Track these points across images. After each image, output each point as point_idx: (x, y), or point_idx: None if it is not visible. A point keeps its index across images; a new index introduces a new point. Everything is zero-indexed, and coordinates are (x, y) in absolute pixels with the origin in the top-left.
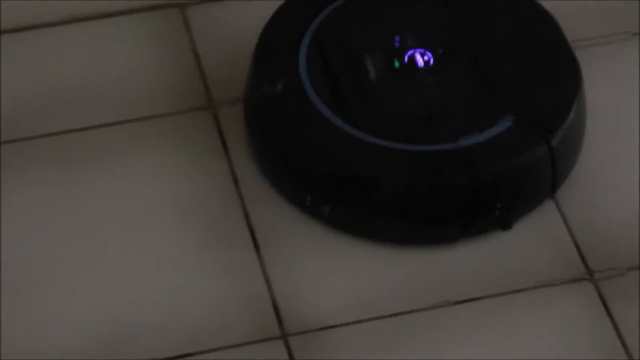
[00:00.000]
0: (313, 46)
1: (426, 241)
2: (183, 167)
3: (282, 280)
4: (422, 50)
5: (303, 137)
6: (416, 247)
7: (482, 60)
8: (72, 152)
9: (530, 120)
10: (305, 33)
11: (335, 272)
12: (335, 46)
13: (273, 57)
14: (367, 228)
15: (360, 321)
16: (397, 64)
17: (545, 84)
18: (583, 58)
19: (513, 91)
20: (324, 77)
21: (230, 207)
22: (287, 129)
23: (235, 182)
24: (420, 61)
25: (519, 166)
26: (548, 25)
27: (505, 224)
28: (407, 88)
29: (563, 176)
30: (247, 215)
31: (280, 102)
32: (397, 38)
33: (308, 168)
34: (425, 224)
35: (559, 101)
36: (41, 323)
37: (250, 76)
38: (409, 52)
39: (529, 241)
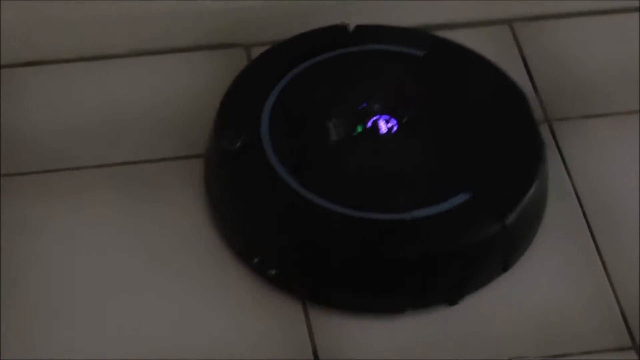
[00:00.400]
0: (278, 105)
1: (372, 310)
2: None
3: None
4: (386, 117)
5: (255, 195)
6: (363, 315)
7: (446, 133)
8: (133, 183)
9: (486, 199)
10: (272, 90)
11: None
12: (301, 106)
13: (236, 112)
14: (313, 293)
15: None
16: (359, 129)
17: (506, 163)
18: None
19: (473, 167)
20: (286, 137)
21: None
22: (240, 185)
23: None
24: (383, 128)
25: (471, 243)
26: (517, 102)
27: (452, 300)
28: (366, 154)
29: (517, 254)
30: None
31: (237, 158)
32: (363, 103)
33: (257, 228)
34: (371, 294)
35: (517, 181)
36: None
37: (212, 130)
38: (373, 118)
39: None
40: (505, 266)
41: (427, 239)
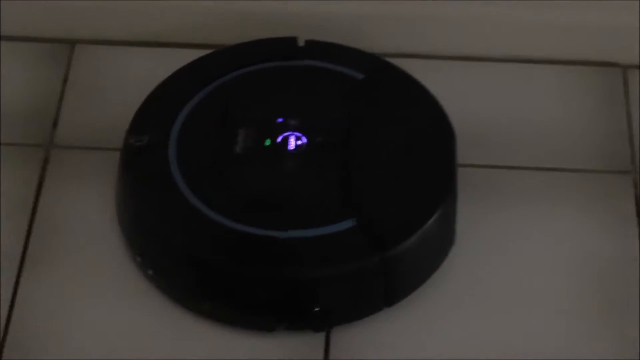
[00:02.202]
0: (197, 110)
1: (240, 325)
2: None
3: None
4: (299, 134)
5: (142, 194)
6: (231, 327)
7: (357, 159)
8: (483, 187)
9: (369, 229)
10: (195, 95)
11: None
12: (217, 113)
13: (152, 111)
14: (185, 299)
15: None
16: (268, 142)
17: (407, 198)
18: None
19: (366, 197)
20: (194, 142)
21: None
22: (132, 182)
23: None
24: (291, 144)
25: (343, 272)
26: (442, 139)
27: (319, 327)
28: (266, 168)
29: (401, 292)
30: None
31: (138, 155)
32: (281, 119)
33: (139, 227)
34: (236, 308)
35: (412, 217)
36: None
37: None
38: (285, 134)
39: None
40: (388, 302)
41: (296, 260)
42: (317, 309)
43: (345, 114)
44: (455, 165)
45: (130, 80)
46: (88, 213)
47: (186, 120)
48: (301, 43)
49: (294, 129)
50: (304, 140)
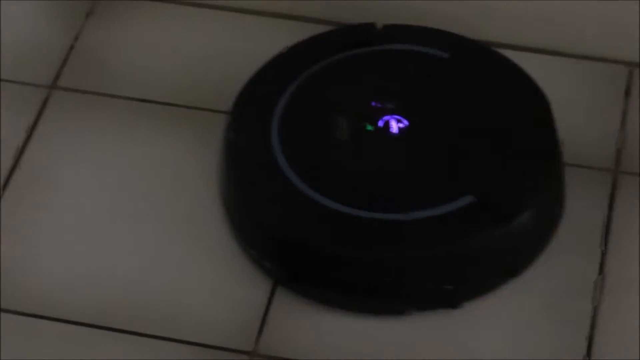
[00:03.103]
0: (292, 101)
1: (370, 311)
2: None
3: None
4: (398, 117)
5: (255, 188)
6: (362, 316)
7: (458, 135)
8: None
9: (489, 205)
10: (287, 87)
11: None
12: (313, 103)
13: (249, 106)
14: (308, 291)
15: None
16: (369, 127)
17: (514, 171)
18: None
19: (478, 173)
20: (295, 133)
21: None
22: (242, 177)
23: None
24: (394, 127)
25: (471, 247)
26: (538, 109)
27: (454, 303)
28: (374, 152)
29: (526, 262)
30: None
31: (243, 150)
32: (377, 103)
33: (254, 221)
34: (368, 295)
35: (523, 190)
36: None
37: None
38: (385, 117)
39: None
40: (514, 272)
41: (424, 240)
42: (449, 287)
43: (438, 93)
44: (557, 135)
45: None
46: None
47: (284, 114)
48: (379, 27)
49: (392, 113)
50: (405, 122)
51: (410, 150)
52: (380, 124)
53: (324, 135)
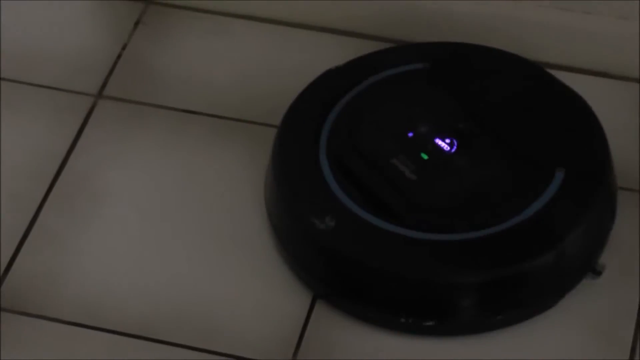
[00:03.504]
0: (338, 120)
1: (411, 331)
2: None
3: None
4: (444, 136)
5: (302, 199)
6: (402, 335)
7: (503, 137)
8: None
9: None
10: (334, 106)
11: None
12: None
13: (297, 124)
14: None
15: None
16: (424, 156)
17: (568, 185)
18: None
19: (529, 191)
20: (342, 150)
21: None
22: (291, 192)
23: None
24: (446, 147)
25: (521, 270)
26: (590, 127)
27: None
28: (441, 177)
29: (571, 285)
30: None
31: (292, 165)
32: (411, 133)
33: (302, 236)
34: (410, 314)
35: (576, 209)
36: None
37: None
38: (434, 140)
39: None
40: (560, 293)
41: (475, 263)
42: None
43: (463, 109)
44: (608, 147)
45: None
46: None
47: (331, 131)
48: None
49: (435, 136)
50: (452, 139)
51: (463, 172)
52: (431, 148)
53: (371, 155)
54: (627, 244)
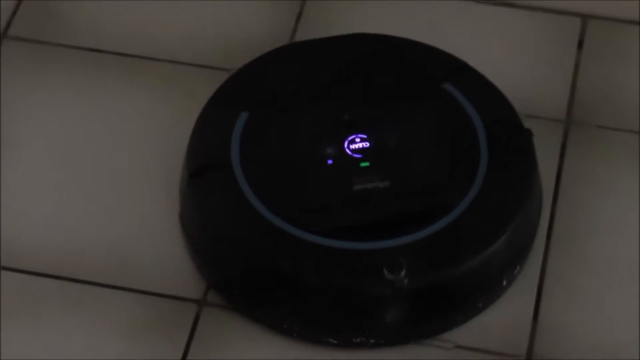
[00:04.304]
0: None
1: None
2: None
3: None
4: (363, 136)
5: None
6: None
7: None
8: None
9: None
10: (242, 110)
11: None
12: (271, 127)
13: (207, 133)
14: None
15: None
16: (329, 150)
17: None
18: None
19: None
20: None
21: None
22: (206, 208)
23: None
24: (357, 147)
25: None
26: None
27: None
28: (333, 176)
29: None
30: None
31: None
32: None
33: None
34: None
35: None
36: None
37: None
38: (350, 137)
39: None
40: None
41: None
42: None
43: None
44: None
45: None
46: None
47: (242, 138)
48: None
49: (354, 131)
50: (367, 144)
51: (373, 173)
52: (343, 145)
53: (281, 157)
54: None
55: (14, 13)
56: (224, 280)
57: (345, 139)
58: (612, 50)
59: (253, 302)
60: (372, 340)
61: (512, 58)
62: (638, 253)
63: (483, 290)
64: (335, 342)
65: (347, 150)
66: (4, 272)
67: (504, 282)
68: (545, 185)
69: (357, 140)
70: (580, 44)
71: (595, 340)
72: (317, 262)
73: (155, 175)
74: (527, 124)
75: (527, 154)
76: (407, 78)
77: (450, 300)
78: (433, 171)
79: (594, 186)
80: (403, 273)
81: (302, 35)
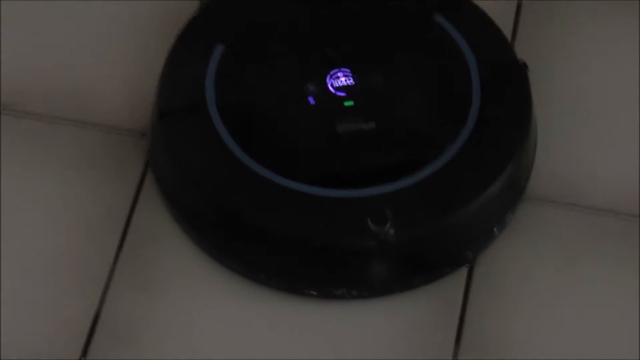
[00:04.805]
0: (225, 60)
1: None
2: None
3: None
4: (346, 70)
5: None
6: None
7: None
8: None
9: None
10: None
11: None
12: (246, 64)
13: (180, 72)
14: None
15: None
16: (311, 88)
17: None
18: None
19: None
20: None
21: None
22: (180, 149)
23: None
24: (343, 81)
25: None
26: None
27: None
28: (314, 118)
29: None
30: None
31: (179, 121)
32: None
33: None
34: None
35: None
36: None
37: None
38: (332, 72)
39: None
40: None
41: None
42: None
43: (383, 45)
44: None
45: None
46: None
47: (217, 75)
48: None
49: (337, 65)
50: (351, 81)
51: (358, 113)
52: (325, 82)
53: (261, 98)
54: None
55: None
56: (196, 229)
57: (327, 73)
58: None
59: (228, 252)
60: (354, 292)
61: None
62: None
63: (474, 239)
64: (315, 293)
65: (330, 88)
66: None
67: (495, 230)
68: None
69: (340, 75)
70: None
71: None
72: (296, 211)
73: None
74: None
75: (522, 90)
76: (396, 9)
77: (439, 251)
78: (422, 112)
79: None
80: (388, 225)
81: None
